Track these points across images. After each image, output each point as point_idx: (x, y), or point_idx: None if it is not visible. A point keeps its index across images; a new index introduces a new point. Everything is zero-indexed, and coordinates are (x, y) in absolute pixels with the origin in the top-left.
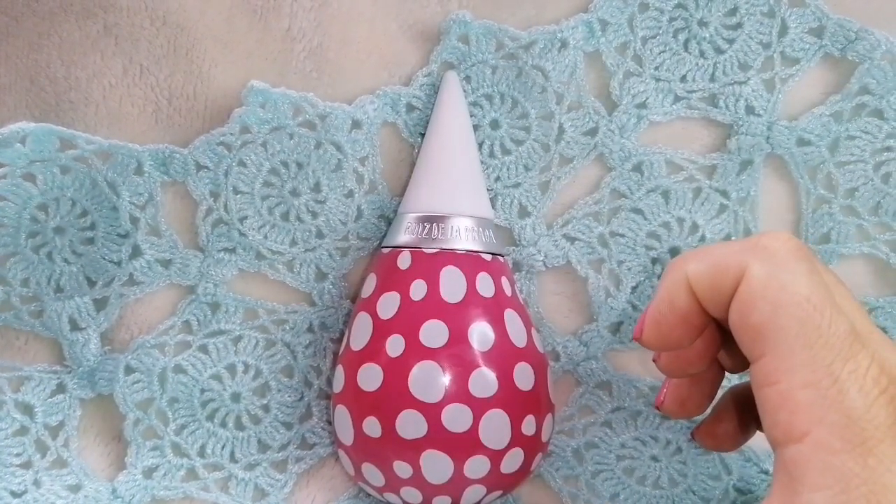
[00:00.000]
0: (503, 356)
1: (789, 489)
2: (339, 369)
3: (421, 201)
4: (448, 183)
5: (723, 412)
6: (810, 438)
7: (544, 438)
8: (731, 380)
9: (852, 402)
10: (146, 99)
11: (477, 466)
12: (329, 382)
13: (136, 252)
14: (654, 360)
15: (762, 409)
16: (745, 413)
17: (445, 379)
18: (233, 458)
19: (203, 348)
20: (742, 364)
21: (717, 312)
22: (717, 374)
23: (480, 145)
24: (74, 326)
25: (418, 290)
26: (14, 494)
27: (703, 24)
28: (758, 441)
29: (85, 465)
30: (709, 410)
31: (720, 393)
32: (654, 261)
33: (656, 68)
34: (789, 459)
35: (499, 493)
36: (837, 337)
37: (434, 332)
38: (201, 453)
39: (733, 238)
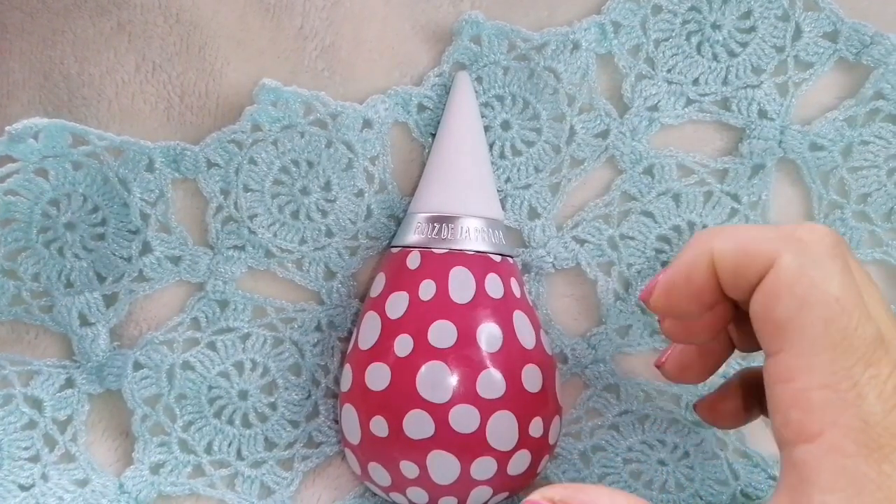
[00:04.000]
0: (511, 357)
1: (798, 490)
2: (347, 368)
3: (431, 201)
4: (458, 183)
5: (729, 390)
6: (823, 440)
7: (551, 441)
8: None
9: (870, 408)
10: (158, 96)
11: (484, 467)
12: (336, 381)
13: (146, 248)
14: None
15: (774, 405)
16: (751, 396)
17: (453, 379)
18: (239, 456)
19: (211, 345)
20: (753, 346)
21: (736, 295)
22: (724, 348)
23: (491, 146)
24: (84, 322)
25: (427, 290)
26: (22, 488)
27: (716, 27)
28: (765, 446)
29: (92, 459)
30: (711, 382)
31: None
32: (664, 264)
33: (669, 71)
34: (799, 460)
35: (505, 494)
36: (863, 341)
37: (442, 333)
38: (208, 450)
39: None
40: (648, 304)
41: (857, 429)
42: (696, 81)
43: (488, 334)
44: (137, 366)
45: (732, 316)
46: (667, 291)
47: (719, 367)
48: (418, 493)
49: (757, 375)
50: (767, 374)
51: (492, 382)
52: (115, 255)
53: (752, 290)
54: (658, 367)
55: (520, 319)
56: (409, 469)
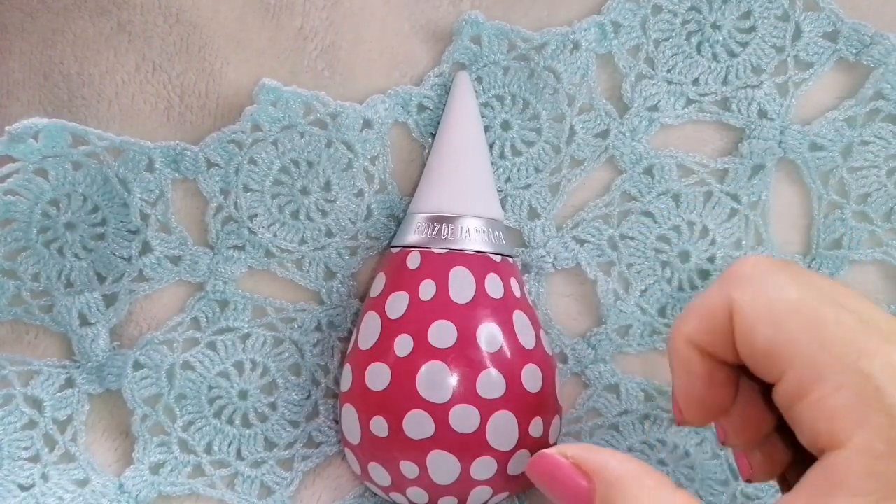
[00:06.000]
0: (511, 357)
1: (821, 491)
2: (347, 368)
3: (431, 201)
4: (458, 183)
5: (769, 445)
6: (853, 443)
7: (551, 440)
8: None
9: (893, 399)
10: (158, 96)
11: (484, 467)
12: (336, 381)
13: (146, 248)
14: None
15: (799, 428)
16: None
17: (453, 379)
18: (239, 456)
19: (211, 345)
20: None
21: (736, 358)
22: (783, 439)
23: (491, 146)
24: (84, 322)
25: (427, 290)
26: (22, 488)
27: (716, 27)
28: None
29: (92, 459)
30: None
31: None
32: (664, 264)
33: (668, 71)
34: (830, 463)
35: (505, 494)
36: (851, 330)
37: (442, 333)
38: (208, 450)
39: (743, 242)
40: (687, 423)
41: (885, 426)
42: (696, 81)
43: (488, 334)
44: (137, 366)
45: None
46: (688, 399)
47: (789, 457)
48: (418, 493)
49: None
50: (782, 402)
51: (492, 382)
52: (115, 255)
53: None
54: (747, 481)
55: (520, 319)
56: (409, 469)
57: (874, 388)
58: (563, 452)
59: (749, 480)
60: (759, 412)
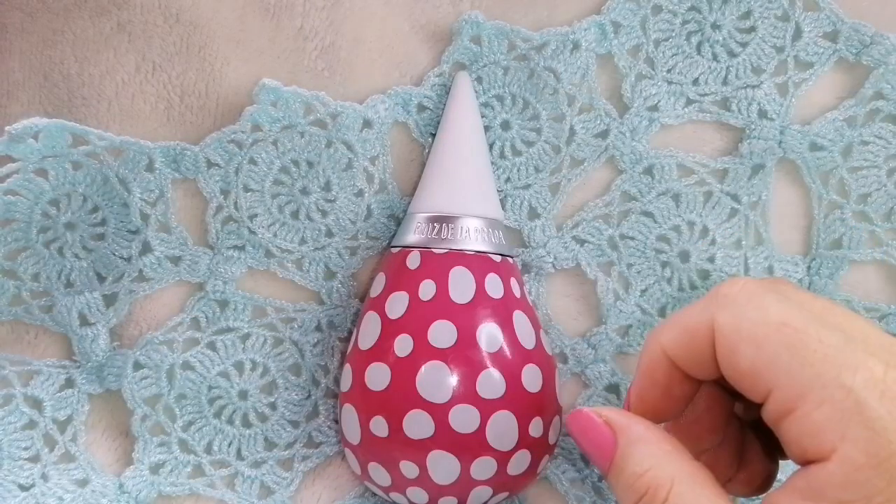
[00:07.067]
0: (511, 357)
1: (804, 496)
2: (347, 368)
3: (431, 201)
4: (458, 183)
5: (747, 456)
6: (836, 456)
7: (551, 440)
8: None
9: (873, 413)
10: (158, 96)
11: (484, 467)
12: (336, 381)
13: (146, 248)
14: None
15: (786, 442)
16: (768, 446)
17: (453, 379)
18: (239, 456)
19: (211, 345)
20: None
21: (706, 374)
22: (737, 432)
23: (491, 146)
24: (84, 322)
25: (427, 290)
26: (22, 488)
27: (716, 27)
28: None
29: (92, 459)
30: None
31: None
32: (664, 264)
33: (668, 71)
34: (812, 473)
35: (505, 494)
36: (834, 348)
37: (442, 333)
38: (208, 450)
39: (743, 242)
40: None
41: (864, 438)
42: (696, 81)
43: (488, 334)
44: (137, 366)
45: (726, 404)
46: (640, 399)
47: (741, 449)
48: (418, 493)
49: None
50: (769, 418)
51: (492, 382)
52: (115, 255)
53: (714, 363)
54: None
55: (520, 319)
56: (409, 469)
57: (854, 401)
58: (597, 412)
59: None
60: (710, 425)
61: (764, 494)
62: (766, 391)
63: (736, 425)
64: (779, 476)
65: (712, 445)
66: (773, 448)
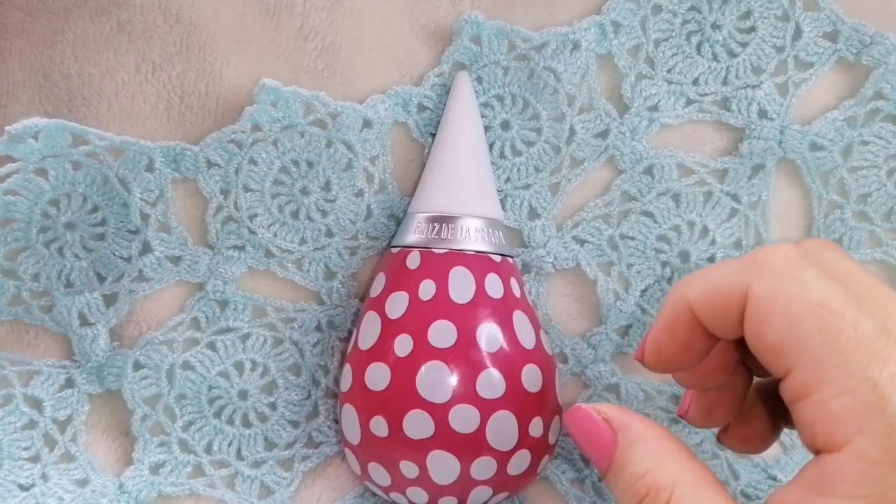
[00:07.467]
0: (511, 357)
1: (815, 490)
2: (347, 368)
3: (431, 201)
4: (458, 183)
5: (751, 413)
6: (850, 448)
7: (551, 440)
8: None
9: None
10: (158, 96)
11: (483, 467)
12: (336, 381)
13: (145, 248)
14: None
15: (799, 423)
16: (774, 410)
17: (453, 379)
18: (239, 456)
19: (211, 345)
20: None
21: (728, 335)
22: (744, 381)
23: (491, 146)
24: (84, 322)
25: (427, 290)
26: (22, 488)
27: (716, 27)
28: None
29: (92, 459)
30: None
31: None
32: (664, 264)
33: (668, 71)
34: (825, 465)
35: (505, 494)
36: (868, 337)
37: (442, 333)
38: (208, 450)
39: (743, 242)
40: (643, 363)
41: (883, 434)
42: (696, 81)
43: (488, 334)
44: (137, 366)
45: (739, 353)
46: (656, 350)
47: (743, 399)
48: (418, 493)
49: (772, 386)
50: (785, 395)
51: (492, 382)
52: (114, 255)
53: (740, 326)
54: (681, 417)
55: (520, 319)
56: (409, 469)
57: (878, 396)
58: (596, 409)
59: (682, 417)
60: (737, 379)
61: (765, 495)
62: (788, 368)
63: (744, 374)
64: (779, 478)
65: (715, 386)
66: (779, 416)
